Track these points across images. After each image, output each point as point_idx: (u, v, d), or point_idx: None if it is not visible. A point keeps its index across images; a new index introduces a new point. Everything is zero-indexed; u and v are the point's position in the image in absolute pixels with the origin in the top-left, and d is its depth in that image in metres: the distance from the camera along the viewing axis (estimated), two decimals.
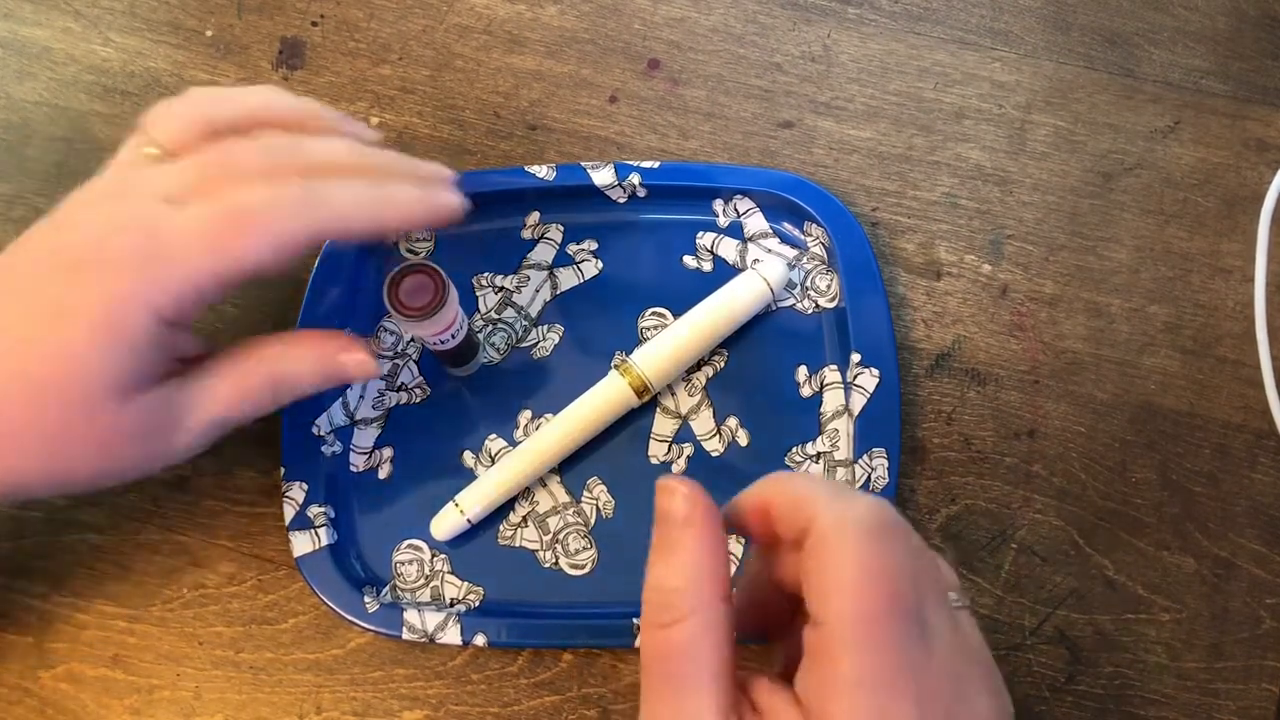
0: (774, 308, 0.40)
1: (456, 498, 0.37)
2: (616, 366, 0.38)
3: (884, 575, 0.22)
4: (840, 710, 0.21)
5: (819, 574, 0.22)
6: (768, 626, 0.27)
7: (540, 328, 0.40)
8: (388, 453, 0.39)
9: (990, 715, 0.23)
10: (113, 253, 0.29)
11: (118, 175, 0.32)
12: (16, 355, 0.29)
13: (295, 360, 0.33)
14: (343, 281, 0.40)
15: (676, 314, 0.40)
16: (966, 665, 0.23)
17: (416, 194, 0.33)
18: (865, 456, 0.37)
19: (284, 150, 0.32)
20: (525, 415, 0.39)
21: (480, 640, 0.36)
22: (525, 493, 0.38)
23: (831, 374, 0.39)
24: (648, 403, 0.39)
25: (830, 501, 0.23)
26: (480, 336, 0.40)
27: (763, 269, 0.39)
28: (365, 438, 0.39)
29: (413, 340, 0.40)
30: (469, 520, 0.37)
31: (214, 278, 0.30)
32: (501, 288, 0.41)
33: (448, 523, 0.37)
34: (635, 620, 0.36)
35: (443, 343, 0.36)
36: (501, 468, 0.38)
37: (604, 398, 0.38)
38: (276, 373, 0.33)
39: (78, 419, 0.29)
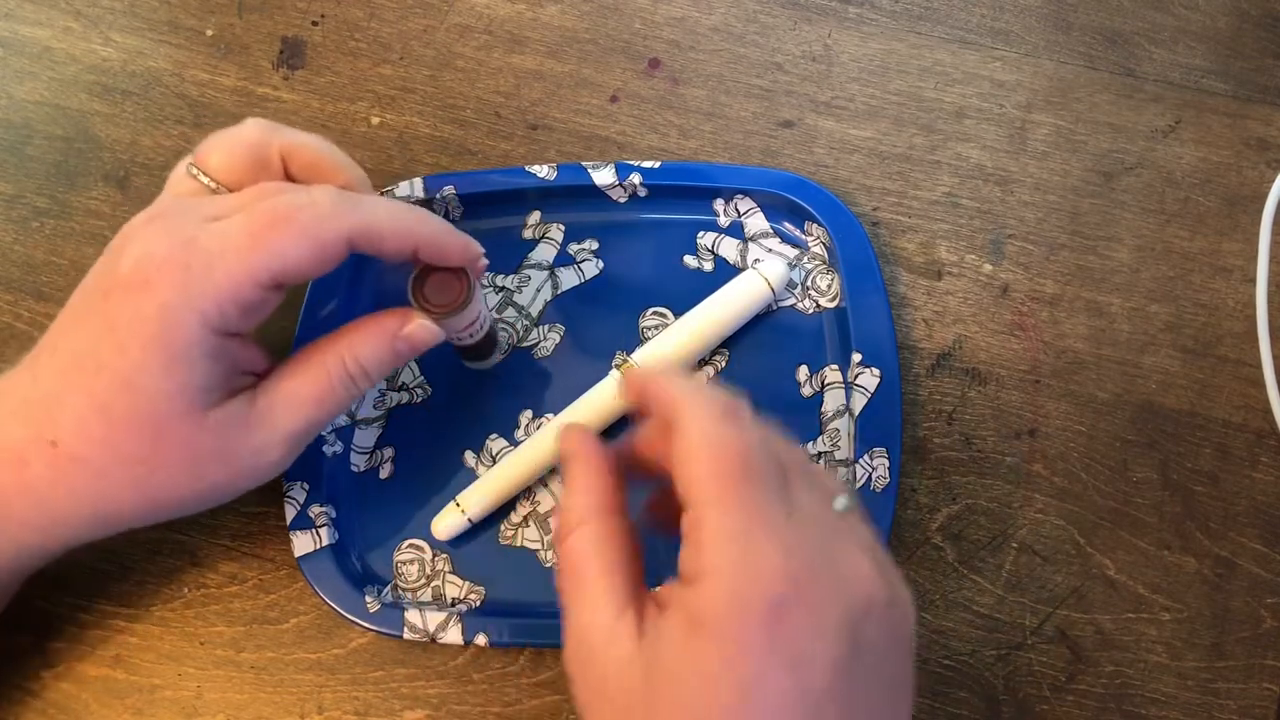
0: (775, 307, 0.40)
1: (458, 497, 0.37)
2: (618, 366, 0.38)
3: (735, 443, 0.25)
4: (710, 567, 0.23)
5: (682, 455, 0.25)
6: (670, 526, 0.28)
7: (541, 327, 0.40)
8: (389, 452, 0.39)
9: (870, 574, 0.24)
10: (155, 269, 0.29)
11: (166, 199, 0.32)
12: (86, 385, 0.29)
13: (365, 345, 0.33)
14: (343, 281, 0.40)
15: (677, 314, 0.40)
16: (841, 537, 0.25)
17: (450, 226, 0.34)
18: (866, 456, 0.37)
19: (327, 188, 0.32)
20: (526, 415, 0.39)
21: (481, 640, 0.36)
22: (526, 492, 0.38)
23: (832, 374, 0.39)
24: None
25: (689, 394, 0.26)
26: (501, 330, 0.40)
27: (763, 268, 0.39)
28: (366, 438, 0.39)
29: None
30: (470, 519, 0.37)
31: (252, 278, 0.29)
32: (502, 287, 0.41)
33: (449, 522, 0.37)
34: None
35: (470, 337, 0.36)
36: (503, 467, 0.38)
37: (605, 397, 0.38)
38: (352, 363, 0.33)
39: (153, 441, 0.29)
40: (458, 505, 0.37)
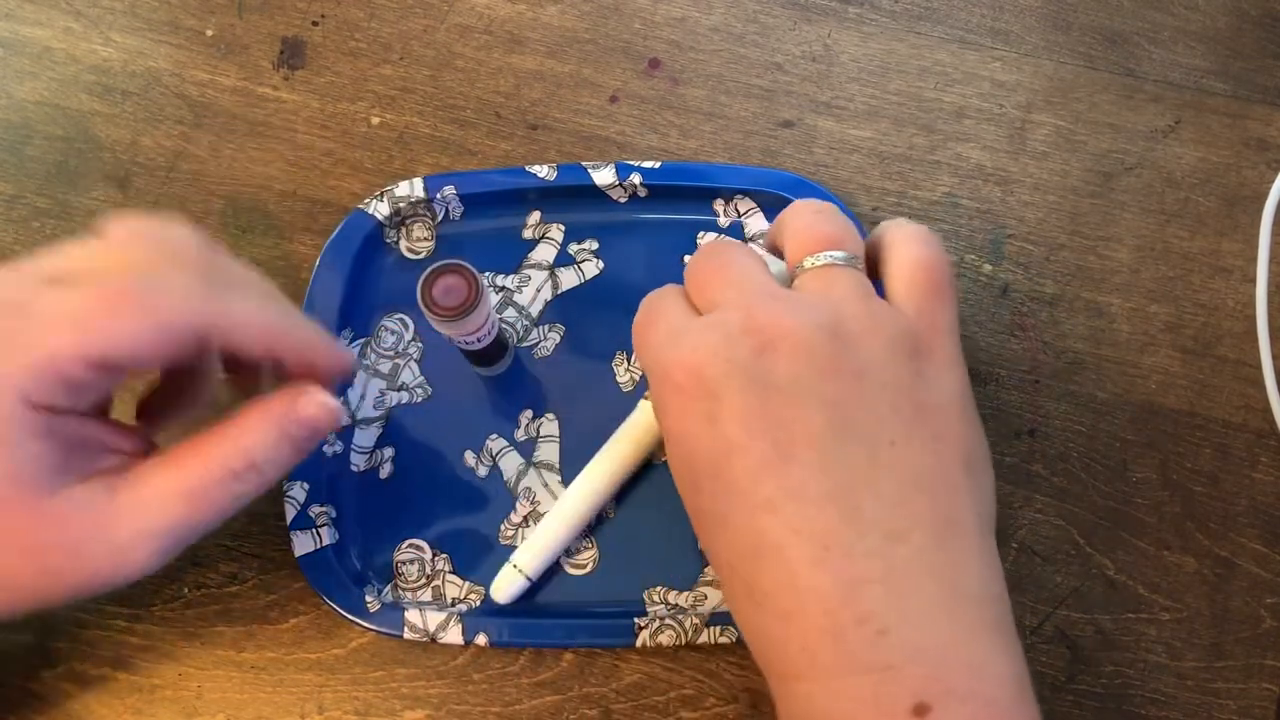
0: None
1: (513, 558, 0.37)
2: (648, 397, 0.37)
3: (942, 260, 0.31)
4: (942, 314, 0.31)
5: (896, 255, 0.31)
6: None
7: (541, 327, 0.40)
8: (389, 452, 0.39)
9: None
10: None
11: (20, 261, 0.28)
12: None
13: (249, 433, 0.29)
14: (343, 281, 0.40)
15: None
16: None
17: (323, 332, 0.32)
18: None
19: (198, 247, 0.29)
20: (526, 415, 0.39)
21: (481, 640, 0.36)
22: (526, 493, 0.38)
23: None
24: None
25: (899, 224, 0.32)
26: (510, 337, 0.40)
27: None
28: (366, 438, 0.39)
29: (414, 340, 0.40)
30: (529, 579, 0.37)
31: (80, 359, 0.26)
32: (502, 287, 0.41)
33: (508, 585, 0.36)
34: (637, 620, 0.36)
35: (478, 341, 0.36)
36: (554, 520, 0.37)
37: (644, 428, 0.37)
38: (235, 455, 0.28)
39: None
40: (515, 567, 0.36)
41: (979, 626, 0.26)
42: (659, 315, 0.31)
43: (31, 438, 0.26)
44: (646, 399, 0.37)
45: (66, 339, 0.26)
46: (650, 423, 0.37)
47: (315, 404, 0.30)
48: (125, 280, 0.27)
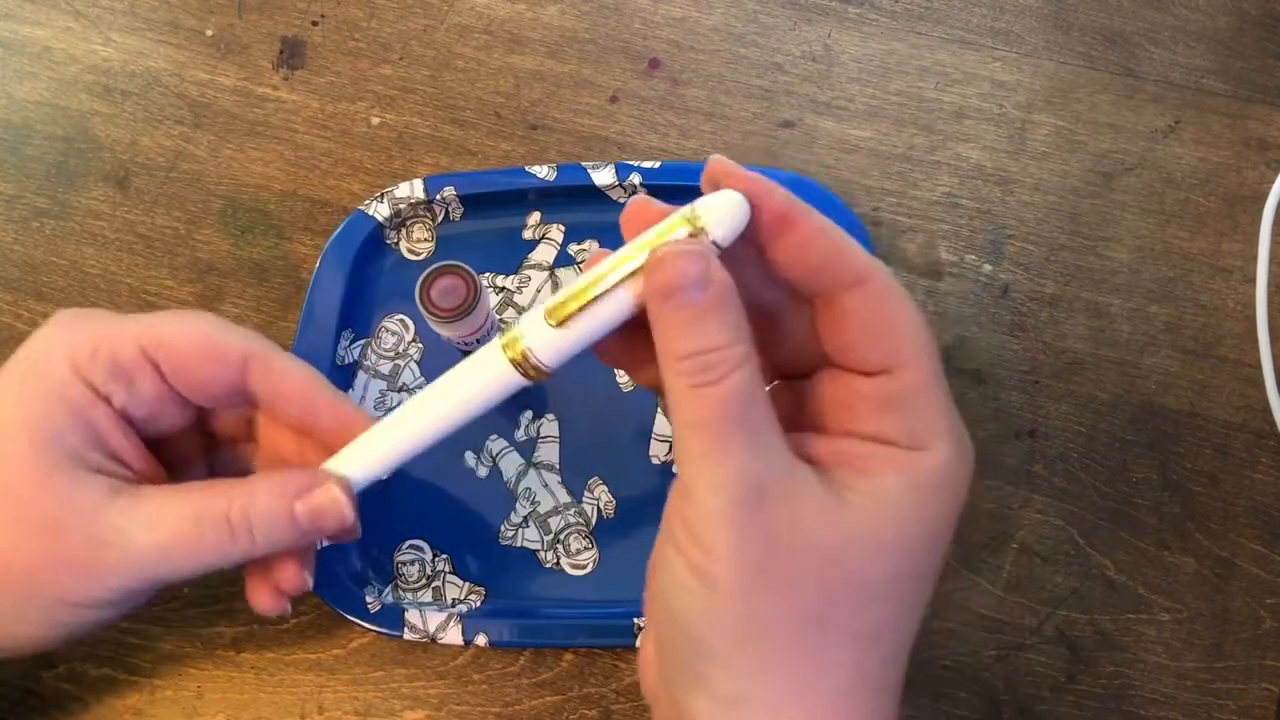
0: None
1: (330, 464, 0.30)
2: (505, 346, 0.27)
3: (922, 321, 0.25)
4: (942, 434, 0.24)
5: (888, 324, 0.24)
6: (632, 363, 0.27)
7: None
8: None
9: None
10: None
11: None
12: None
13: (260, 496, 0.28)
14: (344, 281, 0.40)
15: None
16: None
17: (363, 411, 0.31)
18: None
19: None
20: (526, 416, 0.39)
21: (481, 640, 0.36)
22: (526, 493, 0.38)
23: None
24: (651, 402, 0.39)
25: (878, 264, 0.25)
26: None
27: None
28: None
29: (414, 341, 0.40)
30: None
31: (133, 340, 0.29)
32: (503, 288, 0.41)
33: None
34: (636, 620, 0.36)
35: (478, 342, 0.36)
36: (361, 449, 0.30)
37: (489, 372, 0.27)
38: (236, 510, 0.28)
39: None
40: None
41: None
42: None
43: (61, 404, 0.28)
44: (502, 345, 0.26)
45: (130, 326, 0.29)
46: (501, 370, 0.26)
47: (330, 496, 0.29)
48: (192, 310, 0.31)
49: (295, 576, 0.30)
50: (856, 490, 0.23)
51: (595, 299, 0.24)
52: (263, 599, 0.31)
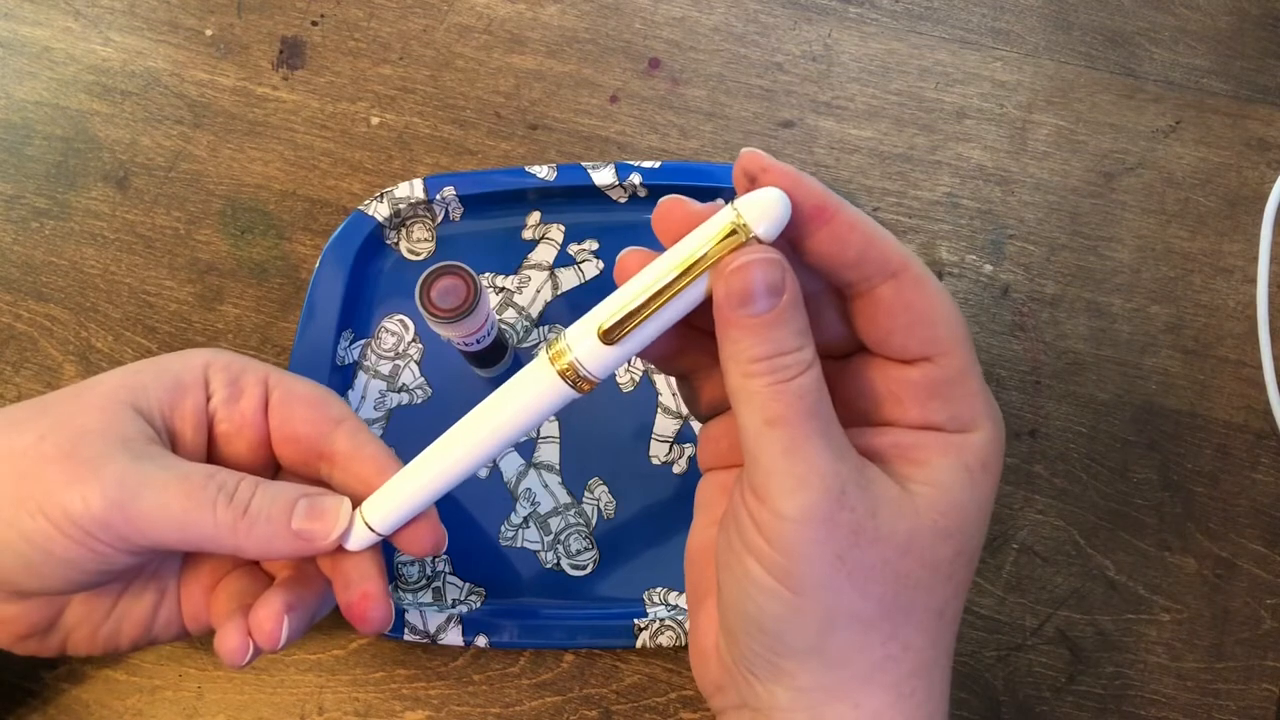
0: None
1: (363, 508, 0.30)
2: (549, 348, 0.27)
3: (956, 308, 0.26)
4: (983, 417, 0.26)
5: (929, 307, 0.25)
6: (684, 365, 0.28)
7: (541, 328, 0.40)
8: None
9: None
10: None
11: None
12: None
13: (269, 488, 0.29)
14: (343, 281, 0.40)
15: None
16: None
17: (389, 451, 0.31)
18: None
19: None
20: None
21: (482, 641, 0.36)
22: (526, 493, 0.38)
23: None
24: (651, 403, 0.39)
25: (910, 253, 0.25)
26: (510, 338, 0.40)
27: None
28: None
29: (414, 341, 0.40)
30: (378, 534, 0.30)
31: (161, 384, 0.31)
32: (503, 288, 0.41)
33: (358, 539, 0.29)
34: (636, 620, 0.36)
35: (478, 342, 0.36)
36: (418, 472, 0.30)
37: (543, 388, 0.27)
38: (247, 483, 0.28)
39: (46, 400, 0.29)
40: (366, 525, 0.30)
41: None
42: None
43: (167, 381, 0.30)
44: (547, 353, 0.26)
45: (265, 365, 0.32)
46: (551, 383, 0.26)
47: (335, 501, 0.29)
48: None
49: (271, 621, 0.29)
50: (916, 480, 0.24)
51: (653, 312, 0.24)
52: (230, 637, 0.29)
